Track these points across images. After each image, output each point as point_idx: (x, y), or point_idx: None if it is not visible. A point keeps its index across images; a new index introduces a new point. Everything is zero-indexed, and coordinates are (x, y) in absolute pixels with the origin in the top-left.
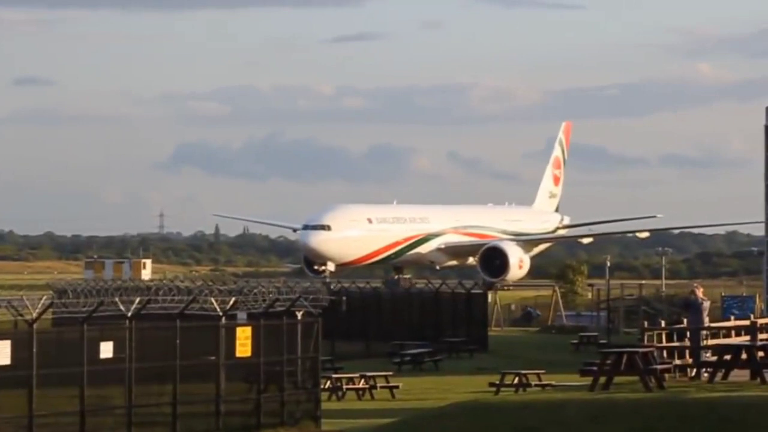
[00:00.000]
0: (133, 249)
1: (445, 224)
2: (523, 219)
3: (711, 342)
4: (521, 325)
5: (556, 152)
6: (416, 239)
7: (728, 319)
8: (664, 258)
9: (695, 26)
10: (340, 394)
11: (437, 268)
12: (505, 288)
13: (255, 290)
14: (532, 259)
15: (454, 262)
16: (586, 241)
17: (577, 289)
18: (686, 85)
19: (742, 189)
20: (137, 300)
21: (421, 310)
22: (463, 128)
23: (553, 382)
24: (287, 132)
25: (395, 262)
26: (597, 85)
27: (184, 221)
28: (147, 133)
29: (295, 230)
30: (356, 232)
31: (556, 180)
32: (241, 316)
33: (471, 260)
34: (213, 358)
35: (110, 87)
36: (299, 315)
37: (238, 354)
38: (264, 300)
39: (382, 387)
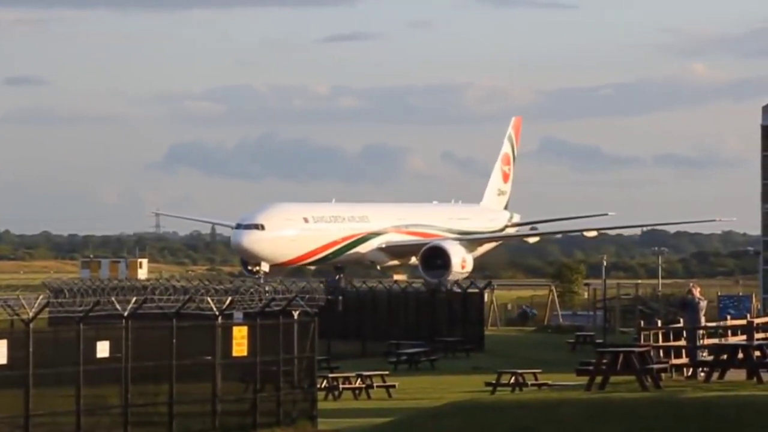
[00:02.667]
0: (130, 248)
1: (386, 223)
2: (469, 217)
3: (707, 341)
4: (517, 325)
5: (506, 148)
6: (355, 239)
7: (725, 319)
8: (660, 257)
9: (690, 26)
10: (336, 393)
11: (378, 268)
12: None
13: (251, 290)
14: (477, 259)
15: (395, 262)
16: (532, 240)
17: (575, 289)
18: (681, 84)
19: (738, 189)
20: (133, 299)
21: (417, 309)
22: (457, 128)
23: (550, 382)
24: (282, 132)
25: (334, 262)
26: (591, 84)
27: (180, 221)
28: (142, 133)
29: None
30: (291, 232)
31: (505, 177)
32: (238, 315)
33: (413, 260)
34: (209, 357)
35: (105, 87)
36: (295, 314)
37: (235, 353)
38: (260, 299)
39: (378, 386)
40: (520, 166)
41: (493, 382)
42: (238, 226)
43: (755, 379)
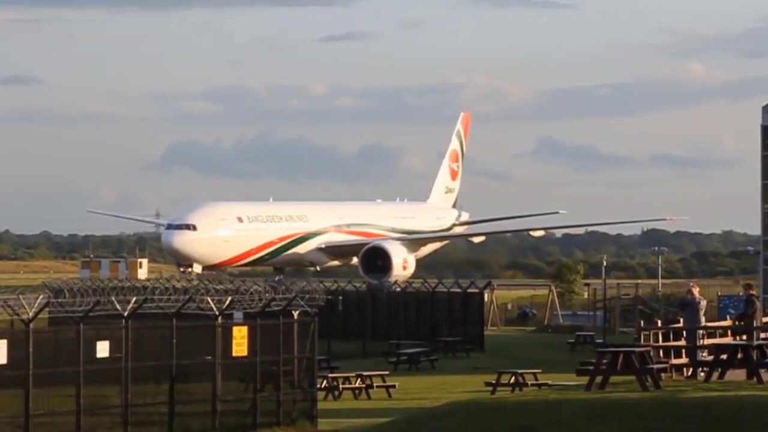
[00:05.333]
0: (130, 248)
1: (326, 222)
2: (414, 216)
3: (707, 341)
4: (517, 325)
5: (454, 145)
6: (293, 239)
7: (726, 319)
8: (660, 257)
9: (688, 26)
10: (336, 393)
11: (317, 269)
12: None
13: (251, 290)
14: (421, 259)
15: (336, 263)
16: (477, 240)
17: (575, 289)
18: (679, 84)
19: (736, 189)
20: (133, 299)
21: (418, 309)
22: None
23: (550, 382)
24: (279, 131)
25: (271, 262)
26: (589, 84)
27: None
28: (139, 133)
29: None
30: (225, 232)
31: (454, 174)
32: (238, 315)
33: (354, 260)
34: (209, 357)
35: (101, 86)
36: (295, 314)
37: (235, 353)
38: (260, 299)
39: (378, 386)
40: (518, 166)
41: (493, 382)
42: (169, 227)
43: (755, 379)
